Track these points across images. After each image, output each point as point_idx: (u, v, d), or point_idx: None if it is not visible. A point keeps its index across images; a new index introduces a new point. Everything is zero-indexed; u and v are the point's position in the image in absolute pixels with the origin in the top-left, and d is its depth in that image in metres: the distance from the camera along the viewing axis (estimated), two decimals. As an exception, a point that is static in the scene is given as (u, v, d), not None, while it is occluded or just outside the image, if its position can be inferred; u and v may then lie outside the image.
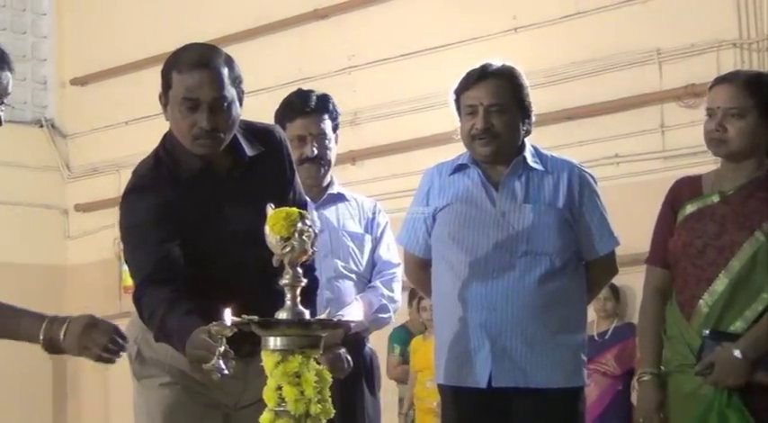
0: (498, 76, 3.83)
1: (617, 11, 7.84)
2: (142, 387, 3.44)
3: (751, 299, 3.58)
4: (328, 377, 2.64)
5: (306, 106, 4.15)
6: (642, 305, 3.94)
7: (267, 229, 2.67)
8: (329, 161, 4.20)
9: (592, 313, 7.39)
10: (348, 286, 4.14)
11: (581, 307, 3.93)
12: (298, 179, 3.50)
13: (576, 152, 6.53)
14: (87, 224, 10.71)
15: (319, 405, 2.56)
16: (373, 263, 4.24)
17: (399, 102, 8.72)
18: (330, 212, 4.21)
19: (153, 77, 3.33)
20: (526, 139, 3.91)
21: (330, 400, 2.62)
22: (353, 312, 3.92)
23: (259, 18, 9.61)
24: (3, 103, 3.10)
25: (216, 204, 3.29)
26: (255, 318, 2.59)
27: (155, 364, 3.39)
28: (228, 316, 2.61)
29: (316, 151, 4.13)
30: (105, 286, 10.29)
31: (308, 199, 3.59)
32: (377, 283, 4.20)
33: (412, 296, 7.88)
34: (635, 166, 7.66)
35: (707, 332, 3.58)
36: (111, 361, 2.96)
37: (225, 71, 3.24)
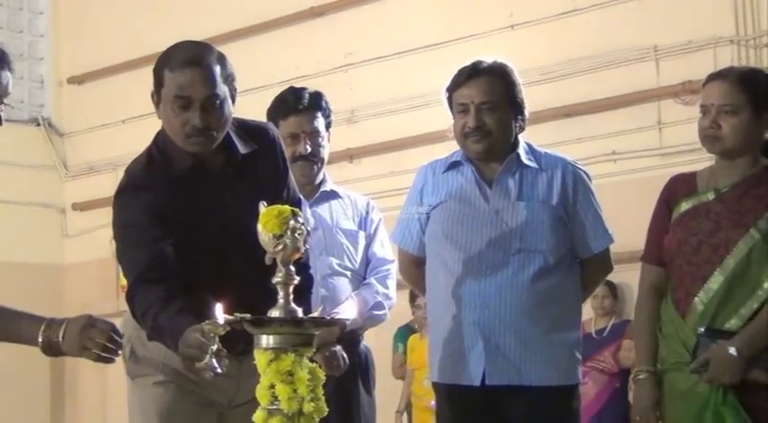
0: (489, 74, 3.82)
1: (614, 8, 7.85)
2: (136, 386, 3.44)
3: (746, 296, 3.57)
4: (321, 375, 2.63)
5: (299, 104, 4.14)
6: (637, 303, 3.93)
7: (259, 226, 2.66)
8: (322, 159, 4.19)
9: (589, 310, 7.41)
10: (343, 283, 4.14)
11: (575, 304, 3.92)
12: (291, 177, 3.49)
13: (573, 149, 6.55)
14: (84, 223, 10.71)
15: (312, 403, 2.55)
16: (367, 260, 4.23)
17: (396, 99, 8.72)
18: (323, 210, 4.20)
19: (150, 76, 3.32)
20: (520, 136, 3.90)
21: (323, 398, 2.62)
22: (348, 310, 3.91)
23: (255, 16, 9.61)
24: (2, 103, 3.09)
25: (209, 202, 3.28)
26: (248, 316, 2.58)
27: (148, 363, 3.38)
28: (221, 314, 2.60)
29: (309, 149, 4.12)
30: (103, 285, 10.29)
31: (301, 196, 3.58)
32: (371, 280, 4.19)
33: (414, 294, 7.89)
34: (632, 163, 7.67)
35: (702, 330, 3.57)
36: (110, 361, 2.95)
37: (217, 69, 3.22)
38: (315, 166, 4.17)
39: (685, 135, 7.00)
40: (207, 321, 2.66)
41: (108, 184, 9.92)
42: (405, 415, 8.38)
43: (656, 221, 3.81)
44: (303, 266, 3.25)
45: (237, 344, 2.81)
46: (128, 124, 10.00)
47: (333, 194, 4.25)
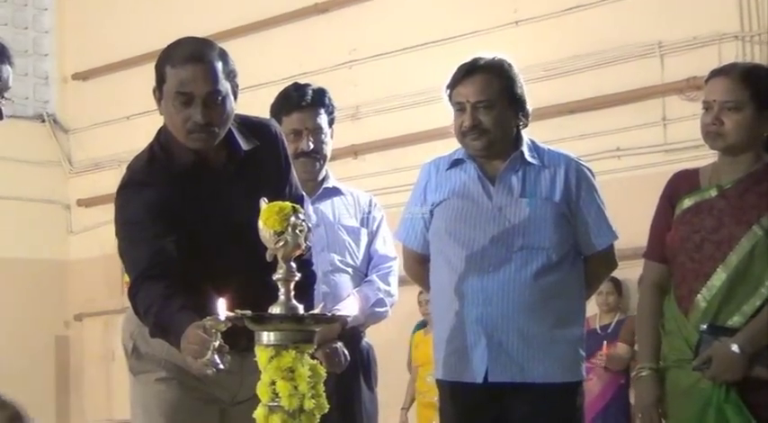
0: (486, 71, 3.80)
1: (618, 4, 7.83)
2: (138, 382, 3.44)
3: (749, 293, 3.56)
4: (322, 372, 2.63)
5: (302, 100, 4.13)
6: (640, 300, 3.92)
7: (260, 223, 2.66)
8: (325, 155, 4.19)
9: (594, 307, 7.40)
10: (345, 280, 4.13)
11: (578, 301, 3.91)
12: (294, 173, 3.49)
13: (577, 146, 6.55)
14: (89, 219, 10.72)
15: (313, 400, 2.55)
16: (369, 257, 4.23)
17: (400, 96, 8.72)
18: (326, 207, 4.19)
19: (154, 72, 3.32)
20: (524, 133, 3.89)
21: (324, 395, 2.62)
22: (349, 307, 3.91)
23: (260, 13, 9.61)
24: (3, 97, 3.09)
25: (211, 199, 3.28)
26: (249, 312, 2.58)
27: (151, 360, 3.38)
28: (222, 310, 2.60)
29: (312, 145, 4.11)
30: (107, 281, 10.30)
31: (303, 193, 3.58)
32: (373, 277, 4.19)
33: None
34: (637, 160, 7.65)
35: (704, 327, 3.56)
36: None
37: (219, 65, 3.22)
38: (317, 163, 4.16)
39: (690, 131, 6.99)
40: (208, 317, 2.66)
41: (113, 181, 9.82)
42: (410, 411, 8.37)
43: (658, 218, 3.81)
44: (305, 263, 3.25)
45: (240, 340, 2.81)
46: (132, 120, 10.00)
47: (335, 191, 4.25)
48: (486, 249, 3.77)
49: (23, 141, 10.77)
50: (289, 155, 3.50)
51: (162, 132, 3.33)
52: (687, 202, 3.70)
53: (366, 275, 4.20)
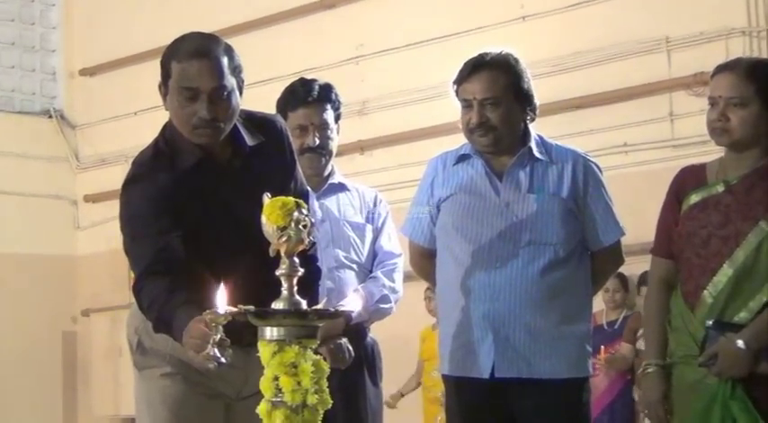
0: (493, 67, 3.79)
1: (625, -1, 7.83)
2: (143, 378, 3.44)
3: (755, 289, 3.54)
4: (325, 367, 2.62)
5: (308, 96, 4.12)
6: (646, 296, 3.91)
7: (264, 218, 2.65)
8: (330, 151, 4.18)
9: (599, 303, 7.39)
10: (349, 276, 4.13)
11: (585, 297, 3.90)
12: (299, 169, 3.48)
13: (584, 141, 6.53)
14: (96, 214, 10.74)
15: (316, 395, 2.54)
16: (374, 253, 4.22)
17: (407, 91, 8.71)
18: (331, 202, 4.19)
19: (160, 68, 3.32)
20: (531, 128, 3.87)
21: (328, 390, 2.61)
22: (352, 303, 3.91)
23: (267, 8, 9.61)
24: None
25: (216, 194, 3.27)
26: (252, 308, 2.57)
27: (155, 355, 3.38)
28: (222, 303, 2.59)
29: (317, 141, 4.10)
30: (114, 277, 10.30)
31: (309, 189, 3.57)
32: (378, 273, 4.18)
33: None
34: (644, 155, 7.64)
35: (710, 323, 3.55)
36: None
37: (224, 60, 3.22)
38: (323, 159, 4.15)
39: (697, 127, 6.97)
40: (207, 311, 2.65)
41: (120, 176, 9.79)
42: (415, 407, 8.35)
43: (665, 214, 3.79)
44: (310, 259, 3.25)
45: (245, 335, 2.80)
46: (139, 116, 10.00)
47: (341, 187, 4.24)
48: (493, 245, 3.76)
49: (30, 137, 10.79)
50: (294, 150, 3.49)
51: (167, 128, 3.33)
52: (694, 198, 3.68)
53: (371, 272, 4.19)
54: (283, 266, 2.63)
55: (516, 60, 3.83)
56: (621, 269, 4.35)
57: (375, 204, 4.27)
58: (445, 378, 3.93)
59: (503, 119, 3.76)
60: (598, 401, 7.10)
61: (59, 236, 11.03)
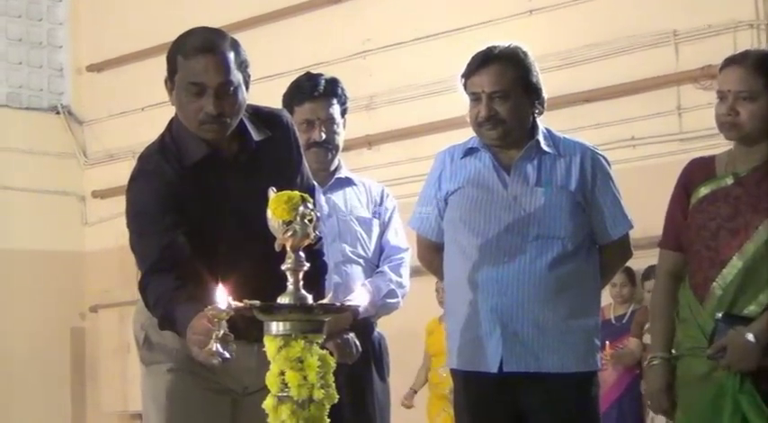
0: (501, 61, 3.78)
1: (633, -9, 7.81)
2: (150, 373, 3.43)
3: (765, 282, 3.53)
4: (332, 362, 2.62)
5: (314, 90, 4.12)
6: (654, 289, 3.90)
7: (269, 213, 2.65)
8: (337, 146, 4.17)
9: (607, 297, 7.37)
10: (356, 271, 4.12)
11: (594, 291, 3.89)
12: (305, 163, 3.48)
13: (592, 135, 6.51)
14: (104, 210, 10.72)
15: (323, 390, 2.54)
16: (381, 248, 4.22)
17: (415, 86, 8.70)
18: (338, 197, 4.18)
19: (166, 63, 3.31)
20: (539, 121, 3.86)
21: (334, 385, 2.60)
22: (359, 297, 3.90)
23: (274, 3, 9.59)
24: None
25: (222, 189, 3.27)
26: (257, 302, 2.57)
27: (162, 350, 3.37)
28: (223, 298, 2.58)
29: (324, 136, 4.10)
30: (123, 272, 10.30)
31: (315, 183, 3.57)
32: (385, 268, 4.18)
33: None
34: (651, 149, 7.62)
35: (720, 315, 3.53)
36: None
37: (231, 55, 3.21)
38: (329, 153, 4.15)
39: (705, 120, 6.97)
40: (209, 307, 2.64)
41: (127, 172, 9.67)
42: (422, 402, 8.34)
43: (673, 206, 3.78)
44: (317, 253, 3.24)
45: (251, 330, 2.80)
46: (147, 112, 9.98)
47: (347, 181, 4.23)
48: (500, 239, 3.75)
49: (38, 133, 10.80)
50: (300, 145, 3.48)
51: (173, 123, 3.33)
52: (703, 191, 3.67)
53: (377, 266, 4.19)
54: (289, 261, 2.62)
55: (525, 53, 3.82)
56: (629, 263, 4.33)
57: (382, 199, 4.27)
58: (453, 372, 3.93)
59: (511, 112, 3.75)
60: (606, 396, 7.09)
61: (67, 232, 11.03)
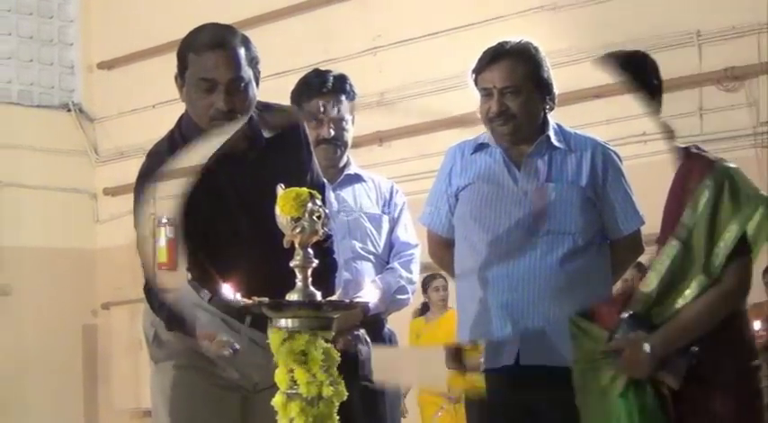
0: (512, 56, 3.76)
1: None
2: (158, 369, 3.43)
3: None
4: (336, 355, 2.61)
5: (323, 87, 4.10)
6: None
7: (277, 209, 2.64)
8: (346, 142, 4.16)
9: (617, 293, 7.34)
10: (367, 267, 4.11)
11: (605, 287, 3.88)
12: (315, 161, 3.47)
13: (602, 131, 6.48)
14: (115, 208, 10.74)
15: (332, 387, 2.53)
16: (391, 244, 4.20)
17: (425, 82, 8.70)
18: (347, 193, 4.17)
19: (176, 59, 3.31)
20: (550, 117, 3.85)
21: (344, 382, 2.59)
22: (369, 294, 3.89)
23: (284, 0, 9.60)
24: None
25: (231, 186, 3.26)
26: (266, 299, 2.56)
27: (171, 347, 3.37)
28: (229, 293, 2.58)
29: (332, 132, 4.09)
30: (134, 270, 10.25)
31: (325, 181, 3.56)
32: (395, 264, 4.17)
33: (432, 277, 7.85)
34: (663, 145, 7.59)
35: (626, 315, 3.42)
36: None
37: (242, 52, 3.22)
38: (338, 150, 4.13)
39: (727, 122, 7.00)
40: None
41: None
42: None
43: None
44: (327, 251, 3.23)
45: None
46: (158, 109, 9.99)
47: (356, 178, 4.22)
48: (511, 234, 3.74)
49: (49, 131, 10.82)
50: (310, 142, 3.47)
51: (183, 119, 3.32)
52: None
53: (387, 263, 4.17)
54: (297, 257, 2.62)
55: (536, 49, 3.81)
56: (640, 259, 4.31)
57: (391, 195, 4.25)
58: None
59: (522, 107, 3.74)
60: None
61: (79, 229, 11.07)
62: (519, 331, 3.71)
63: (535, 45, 3.82)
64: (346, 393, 2.60)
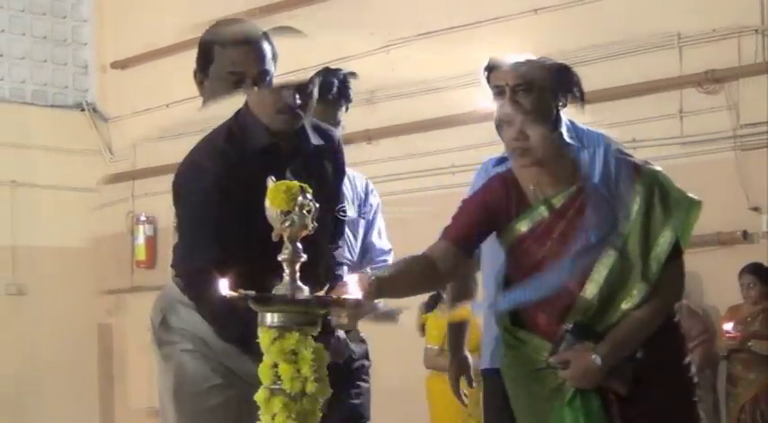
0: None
1: (638, -6, 7.77)
2: (163, 353, 3.41)
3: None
4: (326, 356, 2.58)
5: (328, 94, 4.03)
6: None
7: (267, 202, 2.62)
8: None
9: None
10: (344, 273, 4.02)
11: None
12: (343, 190, 3.55)
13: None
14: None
15: (316, 384, 2.50)
16: (364, 249, 4.13)
17: (415, 81, 8.64)
18: None
19: (193, 60, 3.31)
20: (562, 113, 3.83)
21: (327, 379, 2.56)
22: (354, 292, 3.81)
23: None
24: None
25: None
26: (252, 293, 2.53)
27: (179, 332, 3.34)
28: (225, 289, 2.55)
29: None
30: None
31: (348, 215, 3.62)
32: (368, 270, 4.06)
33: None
34: (653, 151, 7.54)
35: (570, 326, 3.36)
36: None
37: (266, 46, 3.26)
38: None
39: (707, 124, 6.97)
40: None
41: (152, 168, 9.93)
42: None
43: None
44: (337, 266, 3.38)
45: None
46: (171, 108, 10.02)
47: None
48: None
49: (63, 130, 10.84)
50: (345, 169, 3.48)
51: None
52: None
53: (360, 268, 3.96)
54: (286, 252, 2.58)
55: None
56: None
57: (366, 195, 4.18)
58: (484, 373, 3.93)
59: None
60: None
61: (93, 229, 11.06)
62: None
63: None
64: (330, 391, 2.58)
